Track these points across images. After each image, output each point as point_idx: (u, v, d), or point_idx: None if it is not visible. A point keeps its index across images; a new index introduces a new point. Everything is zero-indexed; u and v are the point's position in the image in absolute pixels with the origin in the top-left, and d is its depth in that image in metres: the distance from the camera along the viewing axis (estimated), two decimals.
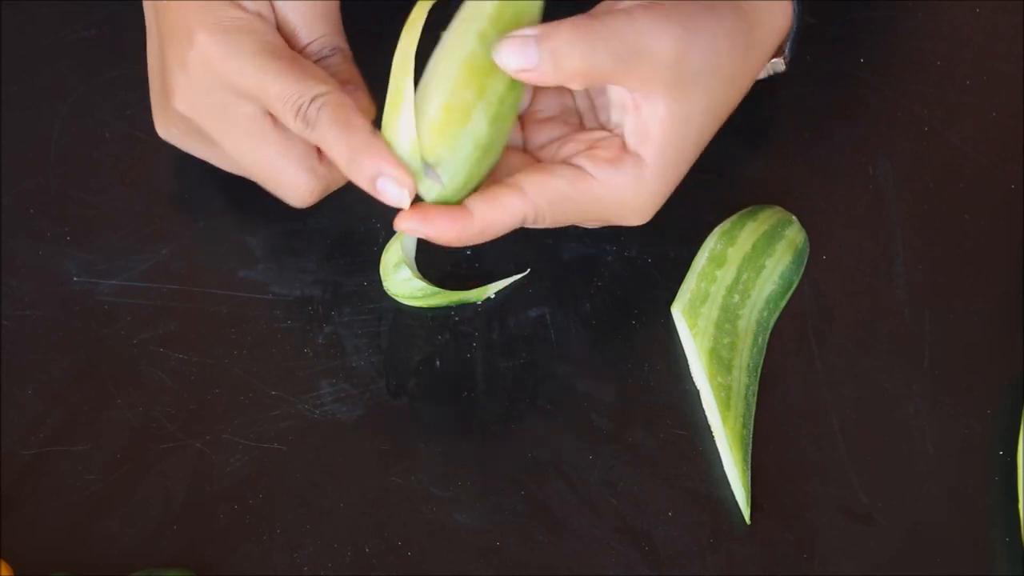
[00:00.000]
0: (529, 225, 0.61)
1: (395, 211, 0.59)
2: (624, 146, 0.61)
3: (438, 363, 0.68)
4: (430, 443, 0.66)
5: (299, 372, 0.67)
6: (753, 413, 0.66)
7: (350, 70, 0.64)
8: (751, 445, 0.66)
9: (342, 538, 0.64)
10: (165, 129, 0.67)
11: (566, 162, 0.61)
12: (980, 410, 0.68)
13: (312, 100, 0.59)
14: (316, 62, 0.63)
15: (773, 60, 0.68)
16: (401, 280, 0.68)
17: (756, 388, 0.67)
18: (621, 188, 0.61)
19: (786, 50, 0.67)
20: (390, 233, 0.69)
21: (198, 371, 0.67)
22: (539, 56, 0.57)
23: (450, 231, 0.59)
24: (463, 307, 0.69)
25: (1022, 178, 0.74)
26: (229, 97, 0.61)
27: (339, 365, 0.67)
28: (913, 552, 0.64)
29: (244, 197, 0.71)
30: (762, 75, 0.68)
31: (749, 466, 0.65)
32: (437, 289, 0.68)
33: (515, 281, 0.69)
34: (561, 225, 0.62)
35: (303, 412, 0.66)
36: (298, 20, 0.63)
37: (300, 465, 0.65)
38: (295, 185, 0.63)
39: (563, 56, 0.57)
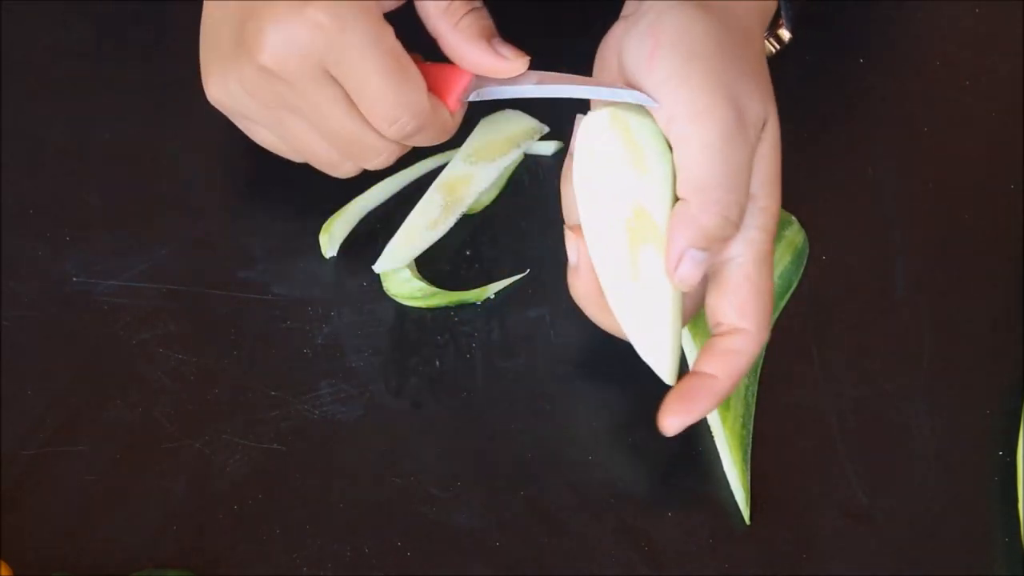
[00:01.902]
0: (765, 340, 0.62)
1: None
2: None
3: (438, 363, 0.68)
4: (430, 443, 0.66)
5: (299, 372, 0.67)
6: (753, 413, 0.66)
7: (493, 25, 0.63)
8: (751, 445, 0.66)
9: (342, 538, 0.64)
10: (222, 90, 0.63)
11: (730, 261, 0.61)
12: (980, 410, 0.68)
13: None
14: (464, 15, 0.62)
15: (775, 32, 0.69)
16: (401, 280, 0.68)
17: (756, 388, 0.67)
18: (762, 235, 0.61)
19: (783, 16, 0.67)
20: (390, 233, 0.69)
21: (198, 371, 0.67)
22: (707, 260, 0.59)
23: (710, 402, 0.61)
24: (463, 307, 0.69)
25: (1022, 178, 0.74)
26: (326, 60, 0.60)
27: (339, 365, 0.67)
28: (913, 552, 0.64)
29: (244, 197, 0.71)
30: (772, 49, 0.70)
31: (749, 466, 0.65)
32: (437, 289, 0.68)
33: (515, 281, 0.69)
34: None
35: (303, 412, 0.66)
36: None
37: (300, 465, 0.65)
38: (378, 144, 0.63)
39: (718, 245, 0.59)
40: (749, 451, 0.65)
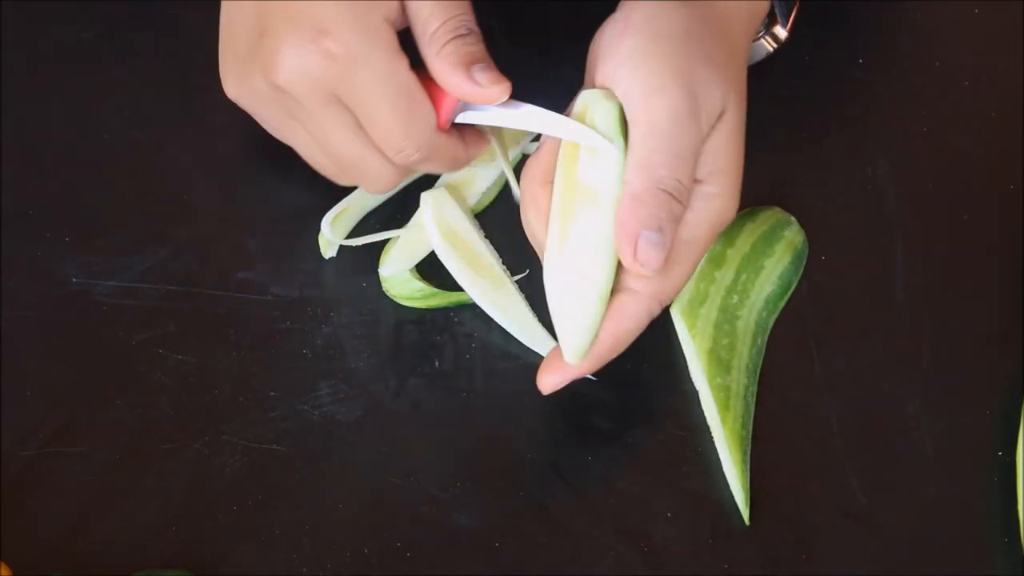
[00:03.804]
0: (659, 311, 0.62)
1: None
2: None
3: (437, 363, 0.68)
4: (430, 443, 0.66)
5: (298, 373, 0.67)
6: (752, 414, 0.66)
7: (481, 50, 0.63)
8: (750, 446, 0.66)
9: (341, 539, 0.64)
10: (238, 91, 0.64)
11: None
12: (979, 410, 0.68)
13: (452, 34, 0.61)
14: (446, 43, 0.62)
15: (771, 31, 0.70)
16: (400, 281, 0.68)
17: (755, 389, 0.67)
18: (703, 218, 0.61)
19: (778, 15, 0.68)
20: None
21: (197, 372, 0.67)
22: (666, 241, 0.59)
23: (590, 363, 0.62)
24: (462, 307, 0.69)
25: (1022, 178, 0.74)
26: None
27: (338, 366, 0.67)
28: (912, 552, 0.64)
29: (244, 198, 0.71)
30: (769, 47, 0.71)
31: (748, 467, 0.65)
32: (436, 290, 0.68)
33: (515, 281, 0.69)
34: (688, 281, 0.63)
35: (302, 413, 0.66)
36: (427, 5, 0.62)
37: (299, 466, 0.65)
38: (383, 169, 0.63)
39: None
40: (748, 452, 0.65)
